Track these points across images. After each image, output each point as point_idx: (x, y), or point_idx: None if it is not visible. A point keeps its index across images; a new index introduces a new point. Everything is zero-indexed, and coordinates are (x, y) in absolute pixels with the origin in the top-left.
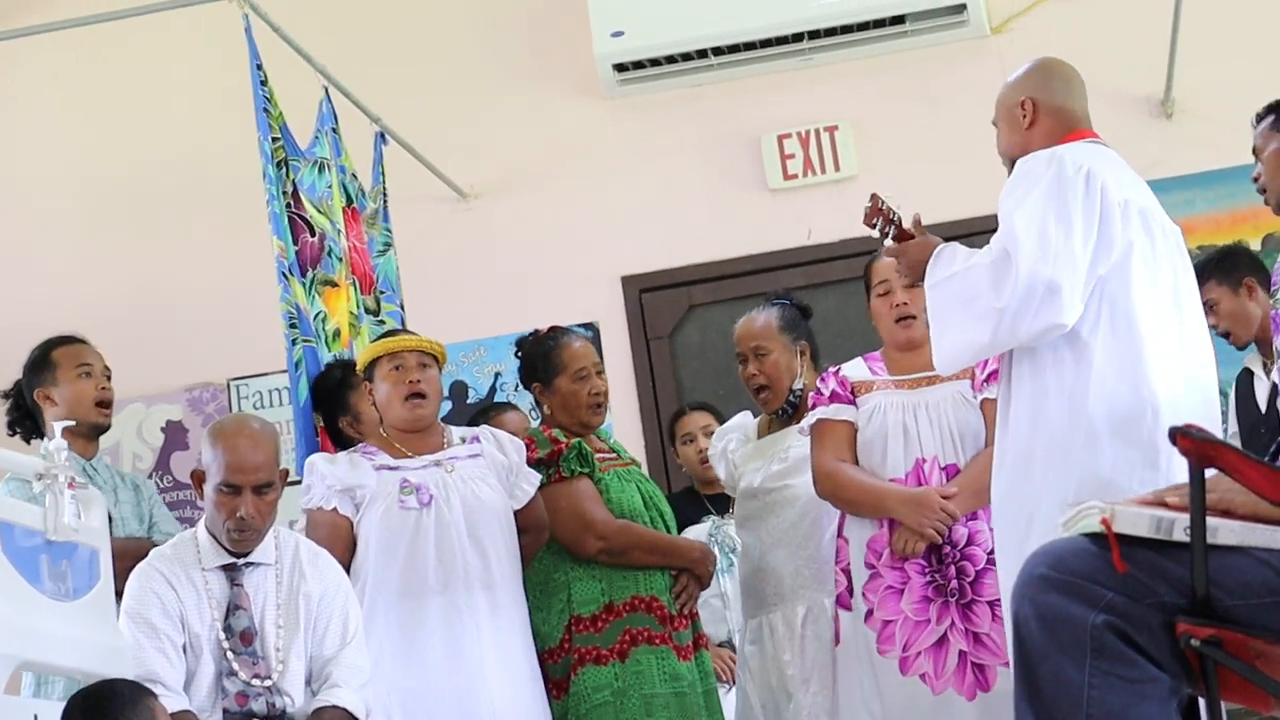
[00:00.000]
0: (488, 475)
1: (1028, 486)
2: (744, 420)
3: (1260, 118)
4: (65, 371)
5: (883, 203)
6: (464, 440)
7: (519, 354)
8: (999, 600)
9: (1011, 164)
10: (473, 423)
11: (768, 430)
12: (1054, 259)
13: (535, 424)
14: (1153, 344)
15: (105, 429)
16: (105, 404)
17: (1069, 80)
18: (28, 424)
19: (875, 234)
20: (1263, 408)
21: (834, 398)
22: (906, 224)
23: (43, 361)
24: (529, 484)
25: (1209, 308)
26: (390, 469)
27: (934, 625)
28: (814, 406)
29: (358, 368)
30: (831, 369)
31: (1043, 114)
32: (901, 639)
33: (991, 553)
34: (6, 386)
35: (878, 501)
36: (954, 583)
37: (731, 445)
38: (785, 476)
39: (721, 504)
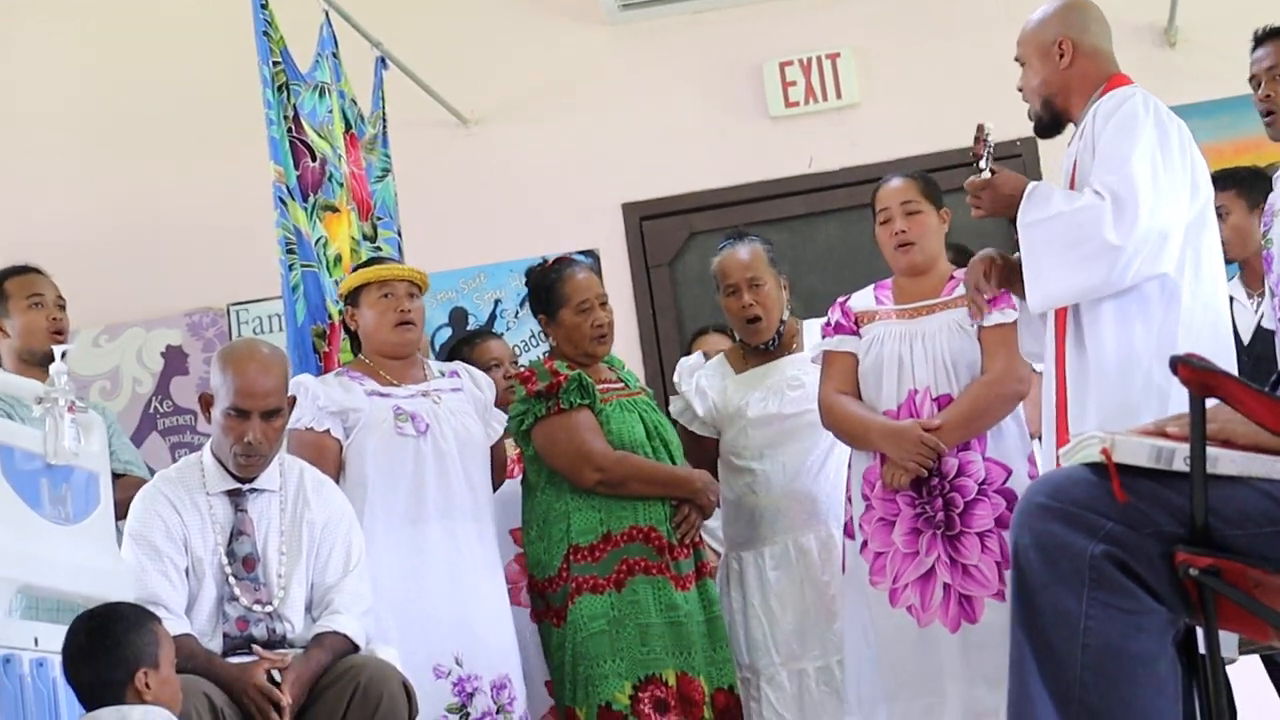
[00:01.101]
0: (470, 409)
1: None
2: (698, 360)
3: (1260, 41)
4: (17, 302)
5: (986, 133)
6: (443, 374)
7: (527, 284)
8: (989, 531)
9: (1040, 101)
10: (454, 351)
11: (745, 364)
12: (1167, 206)
13: (536, 352)
14: (1223, 285)
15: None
16: (59, 332)
17: (1101, 21)
18: None
19: (982, 164)
20: (1245, 336)
21: (838, 328)
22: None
23: None
24: (499, 423)
25: (1219, 213)
26: (381, 395)
27: (922, 557)
28: (823, 337)
29: (341, 293)
30: (840, 298)
31: (1081, 55)
32: (892, 571)
33: (983, 483)
34: None
35: (864, 434)
36: (941, 515)
37: (704, 382)
38: (805, 401)
39: None
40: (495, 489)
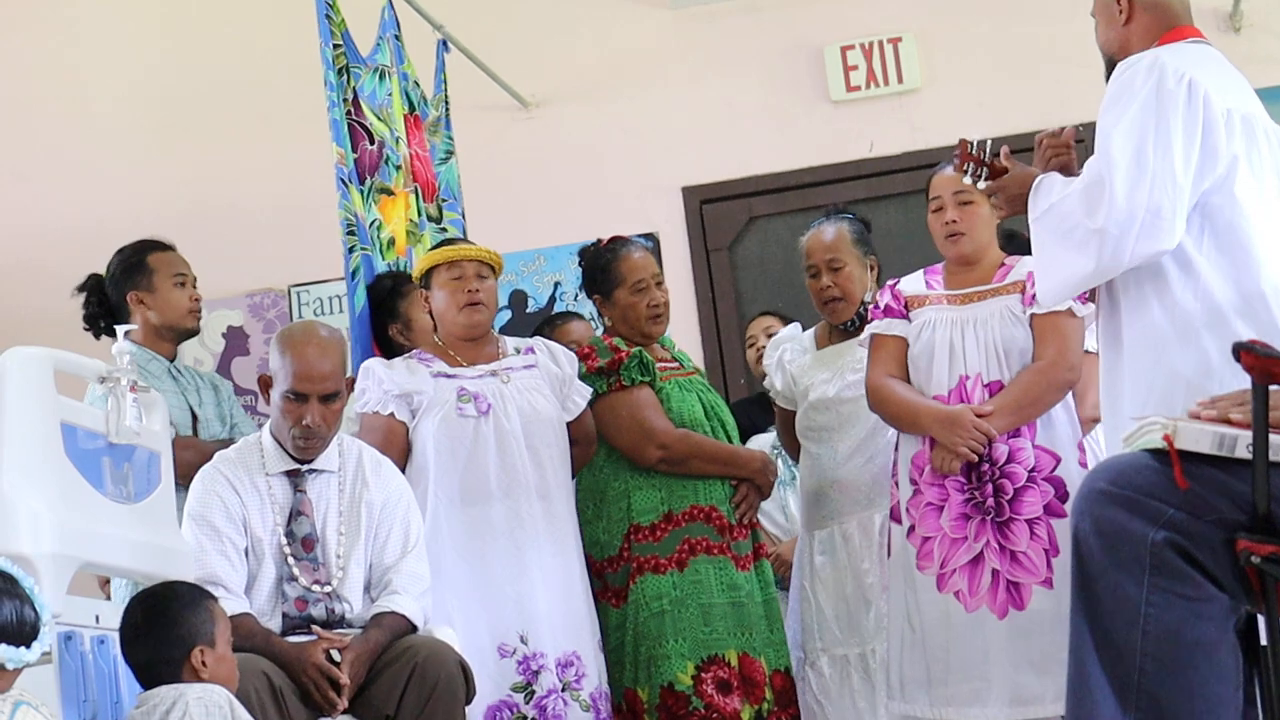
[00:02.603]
0: (542, 386)
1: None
2: (795, 332)
3: None
4: (162, 279)
5: (971, 147)
6: (518, 351)
7: (581, 264)
8: (1038, 519)
9: (1110, 62)
10: (538, 332)
11: (828, 341)
12: (1152, 182)
13: (598, 333)
14: (1263, 254)
15: (195, 334)
16: (197, 313)
17: None
18: (104, 321)
19: (968, 180)
20: None
21: (888, 311)
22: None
23: (138, 265)
24: (580, 396)
25: None
26: (447, 377)
27: (970, 543)
28: (871, 320)
29: (414, 275)
30: (890, 282)
31: (1139, 9)
32: (939, 556)
33: (1033, 470)
34: (65, 290)
35: (914, 419)
36: (990, 500)
37: (787, 356)
38: (862, 386)
39: None
40: (581, 465)
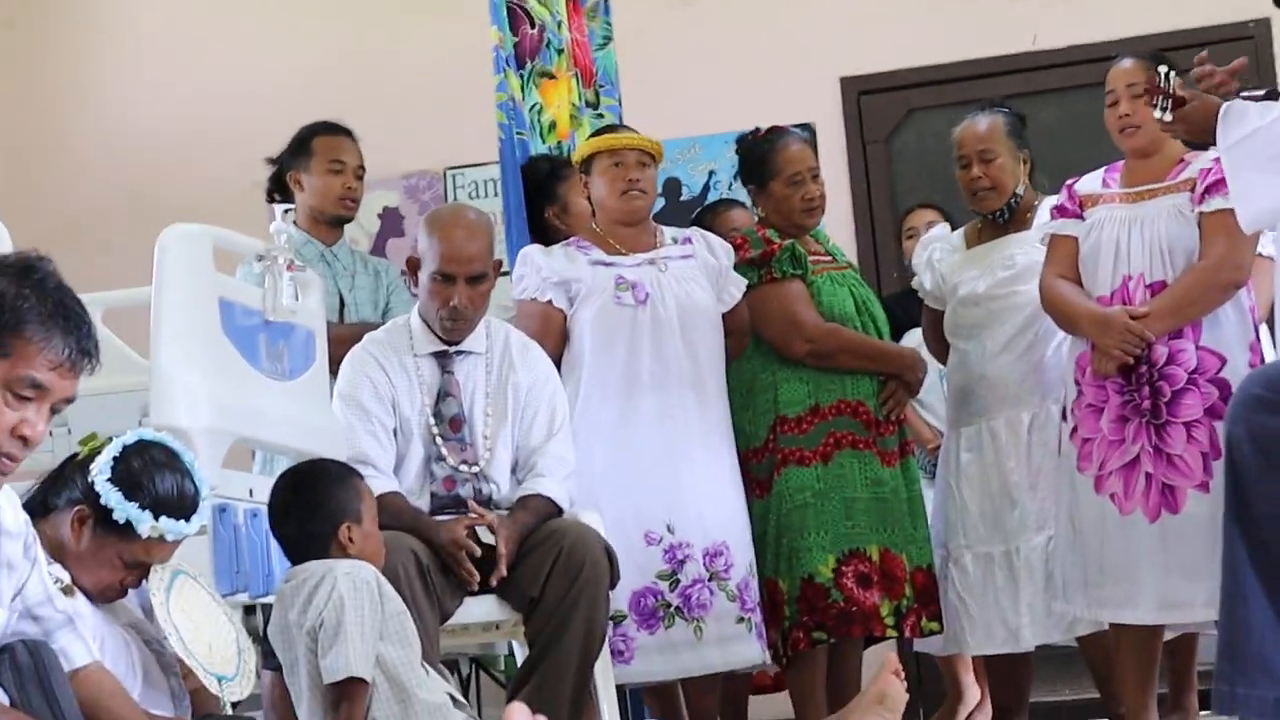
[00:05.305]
0: (699, 276)
1: None
2: (945, 231)
3: None
4: (319, 162)
5: (1160, 78)
6: (675, 240)
7: (738, 153)
8: (1197, 421)
9: None
10: (698, 218)
11: (978, 239)
12: None
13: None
14: None
15: (348, 221)
16: (351, 200)
17: None
18: (277, 197)
19: (1157, 114)
20: None
21: (1062, 211)
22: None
23: (302, 145)
24: (736, 288)
25: None
26: (605, 265)
27: (1127, 445)
28: (1051, 219)
29: (574, 160)
30: (1068, 181)
31: None
32: (1098, 458)
33: (1194, 372)
34: (223, 167)
35: (1073, 320)
36: (1147, 403)
37: (937, 255)
38: (1013, 283)
39: None
40: (735, 356)
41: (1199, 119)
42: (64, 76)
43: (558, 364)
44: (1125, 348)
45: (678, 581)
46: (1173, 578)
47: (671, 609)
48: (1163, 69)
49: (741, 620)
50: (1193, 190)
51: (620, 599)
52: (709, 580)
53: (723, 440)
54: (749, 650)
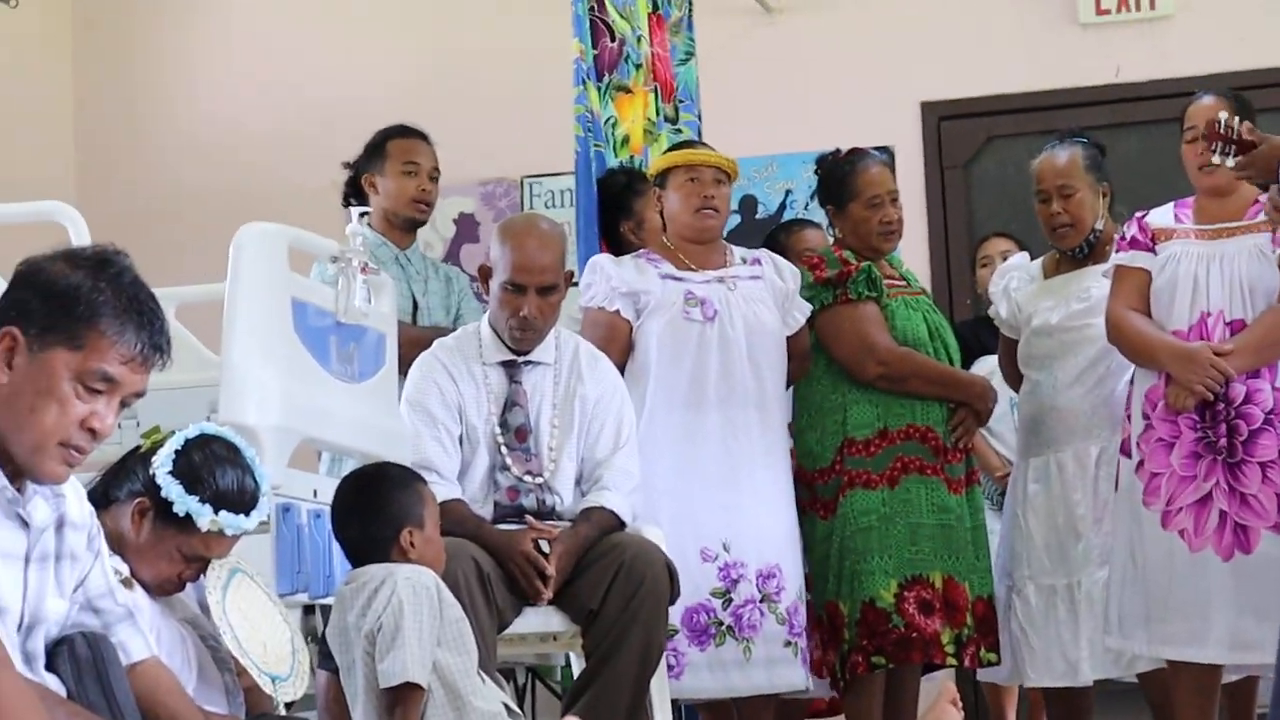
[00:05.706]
0: (766, 298)
1: None
2: (1023, 260)
3: None
4: (393, 164)
5: (1219, 125)
6: (745, 261)
7: (817, 173)
8: (1273, 462)
9: None
10: (772, 236)
11: (1056, 270)
12: None
13: (830, 243)
14: None
15: (421, 224)
16: (424, 203)
17: None
18: (353, 200)
19: (1217, 159)
20: None
21: (1133, 244)
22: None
23: (377, 148)
24: (800, 312)
25: None
26: (675, 279)
27: (1199, 482)
28: (1118, 251)
29: (650, 174)
30: (1138, 213)
31: None
32: (1166, 493)
33: (1270, 412)
34: (302, 169)
35: (1151, 353)
36: (1223, 441)
37: (1014, 284)
38: (1087, 315)
39: None
40: (795, 380)
41: (1265, 162)
42: (150, 76)
43: (623, 374)
44: (1207, 383)
45: (730, 600)
46: (1244, 617)
47: (723, 627)
48: (1222, 115)
49: (789, 644)
50: (1274, 230)
51: (673, 613)
52: (760, 601)
53: (781, 463)
54: (794, 675)
